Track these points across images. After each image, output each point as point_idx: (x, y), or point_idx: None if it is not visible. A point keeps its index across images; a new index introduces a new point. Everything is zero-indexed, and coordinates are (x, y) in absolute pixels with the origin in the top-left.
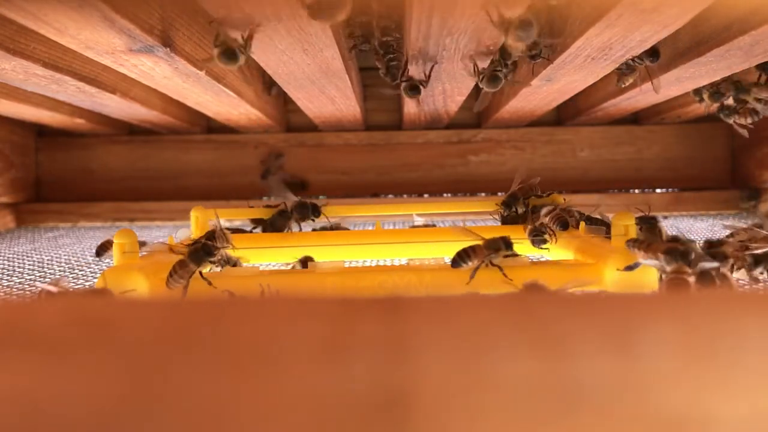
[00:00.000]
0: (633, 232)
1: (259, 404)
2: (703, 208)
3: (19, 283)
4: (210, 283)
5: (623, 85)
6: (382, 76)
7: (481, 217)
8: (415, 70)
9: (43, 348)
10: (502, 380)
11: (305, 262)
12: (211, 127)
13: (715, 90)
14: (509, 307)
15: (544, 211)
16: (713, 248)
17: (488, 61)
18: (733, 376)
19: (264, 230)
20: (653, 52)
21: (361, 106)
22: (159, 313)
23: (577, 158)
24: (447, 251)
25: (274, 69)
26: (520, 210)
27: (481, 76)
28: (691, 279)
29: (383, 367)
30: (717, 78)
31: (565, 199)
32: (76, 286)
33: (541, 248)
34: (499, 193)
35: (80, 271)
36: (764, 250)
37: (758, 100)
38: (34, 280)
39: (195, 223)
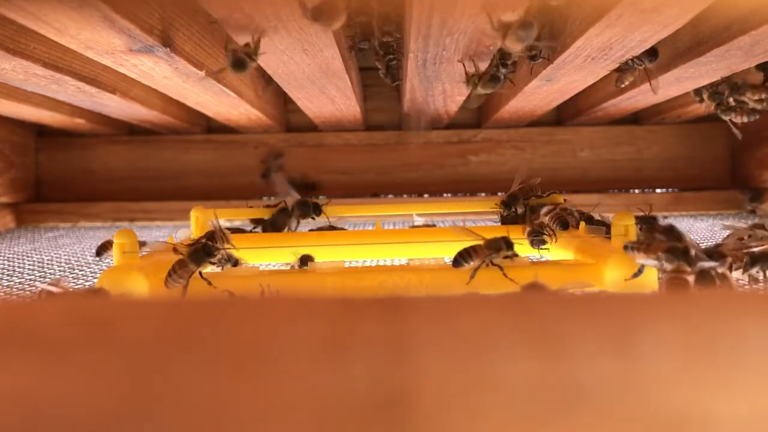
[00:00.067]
0: (633, 232)
1: (259, 404)
2: (703, 208)
3: (19, 283)
4: (210, 283)
5: (622, 85)
6: (382, 77)
7: (481, 217)
8: (414, 70)
9: (43, 348)
10: (502, 380)
11: (305, 260)
12: (211, 127)
13: (715, 90)
14: (509, 307)
15: (543, 210)
16: (712, 248)
17: (488, 62)
18: (733, 376)
19: (264, 228)
20: (652, 52)
21: (361, 106)
22: (159, 313)
23: (577, 158)
24: (447, 251)
25: (274, 69)
26: (520, 210)
27: (477, 78)
28: (691, 278)
29: (383, 367)
30: (717, 78)
31: (565, 200)
32: (76, 286)
33: (541, 249)
34: (499, 193)
35: (80, 271)
36: (761, 249)
37: (760, 101)
38: (34, 280)
39: (195, 223)
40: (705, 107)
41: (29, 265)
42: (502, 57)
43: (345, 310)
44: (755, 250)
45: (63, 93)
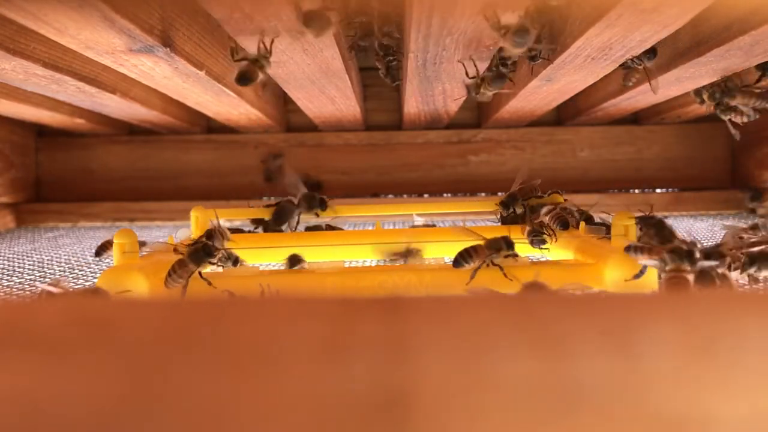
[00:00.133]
0: (633, 232)
1: (259, 404)
2: (703, 208)
3: (19, 283)
4: (210, 283)
5: (629, 84)
6: (382, 77)
7: (480, 217)
8: (414, 70)
9: (43, 348)
10: (502, 380)
11: (293, 261)
12: (211, 127)
13: (714, 90)
14: (509, 307)
15: (543, 210)
16: (711, 248)
17: (487, 62)
18: (733, 376)
19: (266, 226)
20: (650, 51)
21: (361, 106)
22: (159, 313)
23: (577, 158)
24: (447, 251)
25: (273, 69)
26: (519, 211)
27: (479, 80)
28: (690, 277)
29: (383, 367)
30: (717, 78)
31: (565, 200)
32: (76, 286)
33: (541, 248)
34: (499, 193)
35: (80, 271)
36: (759, 249)
37: (745, 104)
38: (34, 280)
39: (195, 223)
40: (706, 107)
41: (29, 265)
42: (502, 57)
43: (345, 310)
44: (754, 250)
45: (63, 93)
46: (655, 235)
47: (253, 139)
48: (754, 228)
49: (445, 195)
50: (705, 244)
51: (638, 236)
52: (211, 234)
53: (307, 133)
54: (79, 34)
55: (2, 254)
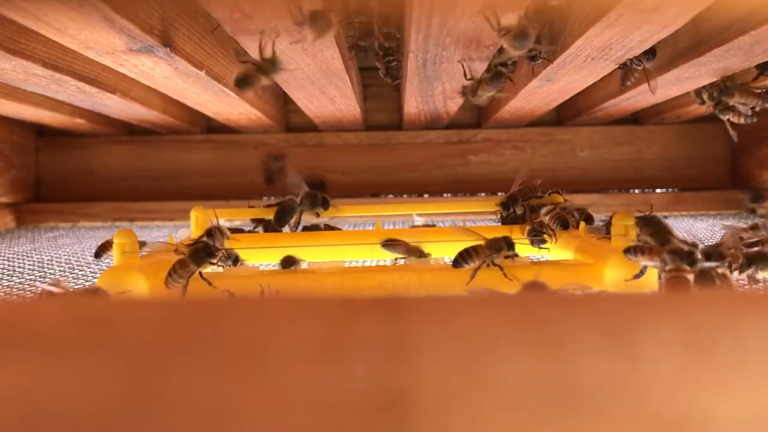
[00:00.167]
0: (633, 232)
1: (259, 404)
2: (703, 208)
3: (19, 283)
4: (210, 283)
5: (628, 83)
6: (381, 77)
7: (480, 217)
8: (414, 70)
9: (43, 348)
10: (502, 380)
11: (287, 262)
12: (211, 127)
13: (713, 90)
14: (509, 307)
15: (544, 210)
16: (711, 248)
17: (487, 63)
18: (733, 376)
19: (267, 226)
20: (650, 51)
21: (361, 106)
22: (159, 313)
23: (577, 158)
24: (447, 251)
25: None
26: (519, 211)
27: (476, 83)
28: (690, 277)
29: (383, 367)
30: (717, 78)
31: (566, 200)
32: (76, 286)
33: (541, 248)
34: (499, 193)
35: (80, 271)
36: (758, 249)
37: (744, 104)
38: (34, 280)
39: (195, 223)
40: (706, 107)
41: (29, 265)
42: (502, 57)
43: (345, 310)
44: (752, 251)
45: (63, 93)
46: (655, 236)
47: (253, 139)
48: (754, 228)
49: (445, 195)
50: (705, 244)
51: (637, 236)
52: (211, 233)
53: (307, 133)
54: (79, 34)
55: (2, 254)
